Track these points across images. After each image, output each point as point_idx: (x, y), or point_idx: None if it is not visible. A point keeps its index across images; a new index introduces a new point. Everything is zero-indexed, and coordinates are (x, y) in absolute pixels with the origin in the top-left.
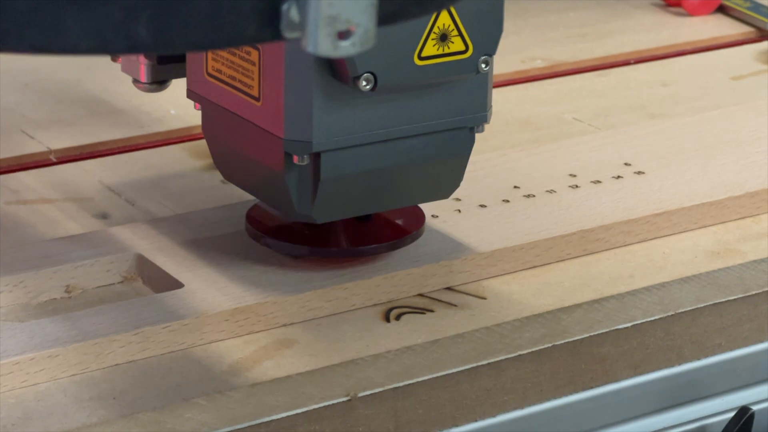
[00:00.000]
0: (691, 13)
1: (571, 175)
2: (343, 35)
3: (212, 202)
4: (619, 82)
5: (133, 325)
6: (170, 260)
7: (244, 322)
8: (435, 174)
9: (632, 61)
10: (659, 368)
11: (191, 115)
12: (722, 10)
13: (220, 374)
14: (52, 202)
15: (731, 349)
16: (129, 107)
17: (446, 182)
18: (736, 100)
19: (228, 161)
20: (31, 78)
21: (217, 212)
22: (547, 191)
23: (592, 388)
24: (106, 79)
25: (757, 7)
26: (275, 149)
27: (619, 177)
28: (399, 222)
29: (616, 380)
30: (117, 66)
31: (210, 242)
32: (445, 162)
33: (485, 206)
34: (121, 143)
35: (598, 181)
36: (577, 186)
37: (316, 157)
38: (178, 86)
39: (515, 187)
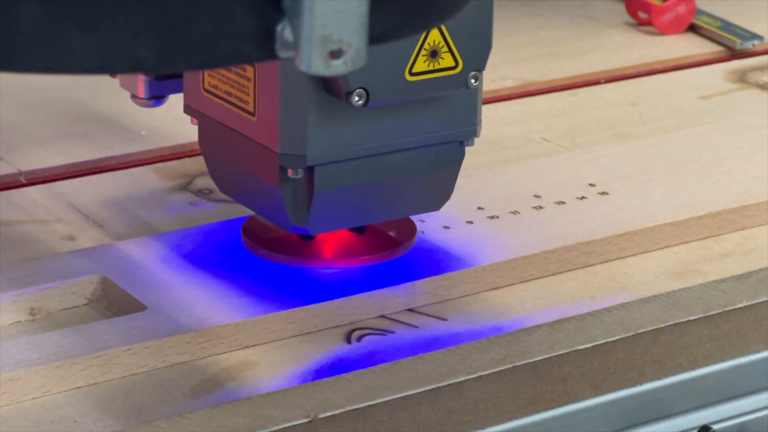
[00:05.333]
0: (662, 33)
1: (535, 195)
2: (335, 54)
3: (180, 224)
4: (589, 101)
5: (95, 348)
6: (134, 282)
7: (206, 344)
8: (426, 186)
9: (603, 81)
10: (621, 388)
11: (162, 137)
12: (693, 29)
13: (182, 396)
14: (21, 224)
15: (692, 368)
16: (99, 129)
17: (437, 194)
18: (703, 119)
19: (224, 175)
20: (3, 98)
21: (184, 234)
22: (510, 212)
23: (553, 408)
24: (78, 101)
25: (728, 27)
26: (270, 163)
27: (583, 197)
28: (391, 234)
29: (578, 400)
30: (89, 87)
31: (175, 264)
32: (435, 175)
33: (449, 227)
34: (91, 165)
35: (562, 202)
36: (541, 207)
37: (310, 170)
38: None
39: (479, 208)
